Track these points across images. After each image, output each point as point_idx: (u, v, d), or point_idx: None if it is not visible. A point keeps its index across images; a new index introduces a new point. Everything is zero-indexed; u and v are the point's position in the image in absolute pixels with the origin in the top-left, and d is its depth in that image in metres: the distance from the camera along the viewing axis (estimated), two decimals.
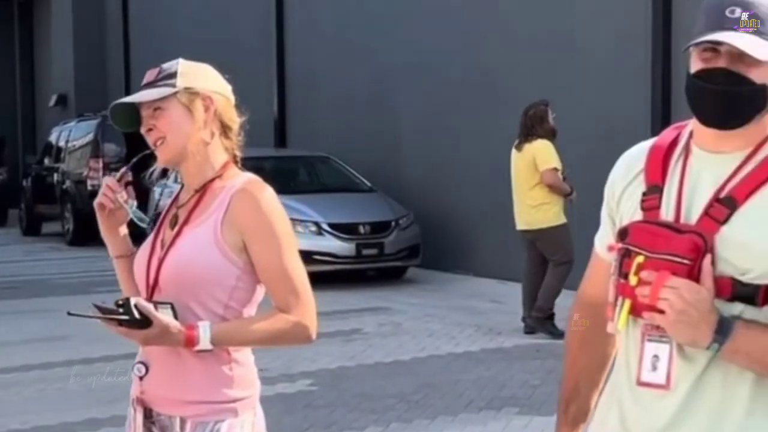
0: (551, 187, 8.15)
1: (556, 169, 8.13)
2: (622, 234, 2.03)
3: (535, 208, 8.21)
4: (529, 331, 8.38)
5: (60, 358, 7.66)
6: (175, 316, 2.34)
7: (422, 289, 11.03)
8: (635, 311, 1.96)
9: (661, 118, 9.66)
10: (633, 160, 2.13)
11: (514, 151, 8.39)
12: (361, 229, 11.16)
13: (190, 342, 2.32)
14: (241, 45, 15.82)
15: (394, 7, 13.10)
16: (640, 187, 2.06)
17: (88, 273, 12.35)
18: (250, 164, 2.67)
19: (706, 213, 1.95)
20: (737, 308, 1.90)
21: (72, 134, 17.10)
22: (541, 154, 8.14)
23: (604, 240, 2.15)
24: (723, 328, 1.86)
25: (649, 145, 2.13)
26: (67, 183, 16.56)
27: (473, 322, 9.07)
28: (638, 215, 2.04)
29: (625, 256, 2.00)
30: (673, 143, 2.09)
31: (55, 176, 17.13)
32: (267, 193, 2.43)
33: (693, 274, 1.89)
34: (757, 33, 1.91)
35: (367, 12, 13.56)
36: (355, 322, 9.14)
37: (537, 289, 8.33)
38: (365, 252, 11.13)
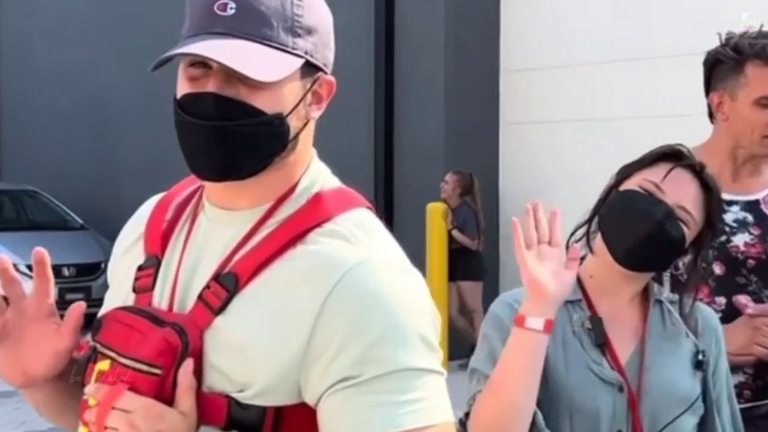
0: None
1: None
2: (96, 327, 1.41)
3: None
4: None
5: None
6: None
7: None
8: None
9: (384, 160, 9.37)
10: (140, 218, 1.51)
11: None
12: (65, 272, 10.16)
13: None
14: None
15: (116, 30, 12.18)
16: (140, 257, 1.44)
17: None
18: None
19: (200, 297, 1.33)
20: None
21: None
22: None
23: None
24: None
25: (160, 197, 1.52)
26: None
27: None
28: (131, 299, 1.41)
29: (92, 359, 1.38)
30: (190, 197, 1.47)
31: None
32: None
33: (166, 390, 1.26)
34: (263, 39, 1.29)
35: (87, 35, 12.56)
36: None
37: None
38: (69, 297, 10.11)
